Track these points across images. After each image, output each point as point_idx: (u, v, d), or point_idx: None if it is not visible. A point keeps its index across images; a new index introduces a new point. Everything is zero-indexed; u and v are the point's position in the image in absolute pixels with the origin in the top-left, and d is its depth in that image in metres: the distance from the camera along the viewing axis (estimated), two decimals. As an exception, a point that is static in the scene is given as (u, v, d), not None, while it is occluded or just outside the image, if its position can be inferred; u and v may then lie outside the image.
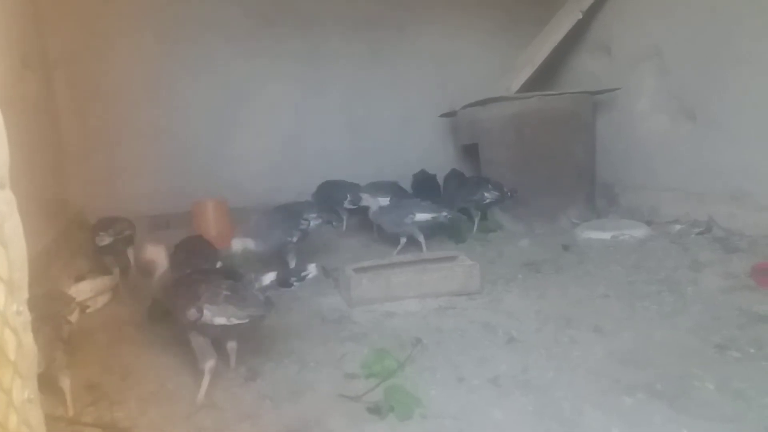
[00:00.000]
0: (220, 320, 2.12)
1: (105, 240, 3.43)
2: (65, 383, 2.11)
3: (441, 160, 6.03)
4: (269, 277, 2.27)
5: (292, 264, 3.64)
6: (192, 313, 2.11)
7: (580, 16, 5.28)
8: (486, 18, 6.20)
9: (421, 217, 4.10)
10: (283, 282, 2.27)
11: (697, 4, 4.38)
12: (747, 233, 3.88)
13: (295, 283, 2.31)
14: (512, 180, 4.74)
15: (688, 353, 2.32)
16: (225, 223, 4.77)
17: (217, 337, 2.26)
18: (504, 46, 6.15)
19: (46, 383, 2.09)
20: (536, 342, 2.53)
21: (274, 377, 2.33)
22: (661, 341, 2.46)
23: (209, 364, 2.16)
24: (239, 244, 3.32)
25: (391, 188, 5.00)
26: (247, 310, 2.16)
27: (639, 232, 4.25)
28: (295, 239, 3.69)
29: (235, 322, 2.14)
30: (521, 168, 4.92)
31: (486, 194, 4.60)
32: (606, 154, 5.31)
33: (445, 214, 4.12)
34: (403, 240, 4.19)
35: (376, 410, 1.97)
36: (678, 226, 4.28)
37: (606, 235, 4.24)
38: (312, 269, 2.34)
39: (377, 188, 4.83)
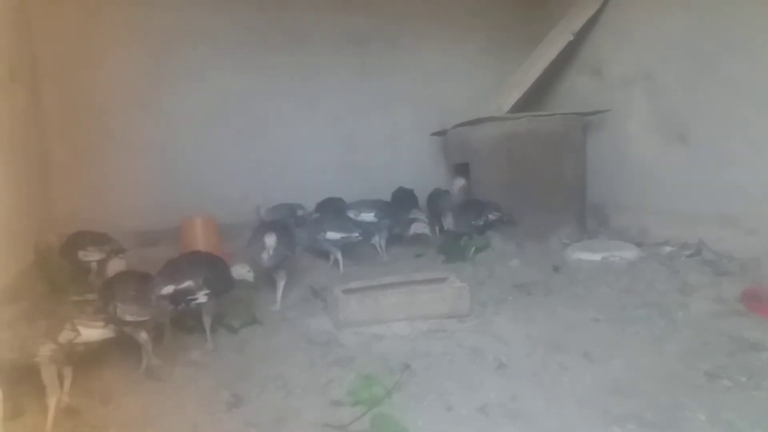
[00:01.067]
0: (128, 317, 2.39)
1: (94, 256, 3.37)
2: (51, 401, 2.09)
3: (431, 178, 6.04)
4: (167, 290, 2.56)
5: (282, 281, 3.59)
6: (109, 309, 2.37)
7: (571, 38, 5.31)
8: (478, 36, 6.27)
9: (332, 235, 4.24)
10: (175, 300, 2.57)
11: (687, 27, 4.42)
12: (736, 256, 3.88)
13: (184, 305, 2.65)
14: (502, 200, 4.75)
15: (678, 381, 2.29)
16: (214, 240, 4.73)
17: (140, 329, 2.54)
18: (495, 64, 6.20)
19: (32, 395, 2.10)
20: (525, 368, 2.49)
21: (258, 403, 2.28)
22: (651, 368, 2.43)
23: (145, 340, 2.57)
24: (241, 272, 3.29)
25: (376, 205, 4.96)
26: (148, 309, 2.46)
27: (629, 253, 4.24)
28: (292, 254, 3.68)
29: (139, 319, 2.43)
30: (512, 188, 4.91)
31: (490, 216, 4.66)
32: (596, 174, 5.32)
33: (356, 234, 4.24)
34: (332, 256, 4.34)
35: (361, 441, 1.93)
36: (668, 248, 4.28)
37: (596, 257, 4.23)
38: (201, 296, 2.63)
39: (364, 206, 4.84)
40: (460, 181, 4.99)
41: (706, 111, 4.30)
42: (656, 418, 2.01)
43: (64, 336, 2.16)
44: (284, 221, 4.18)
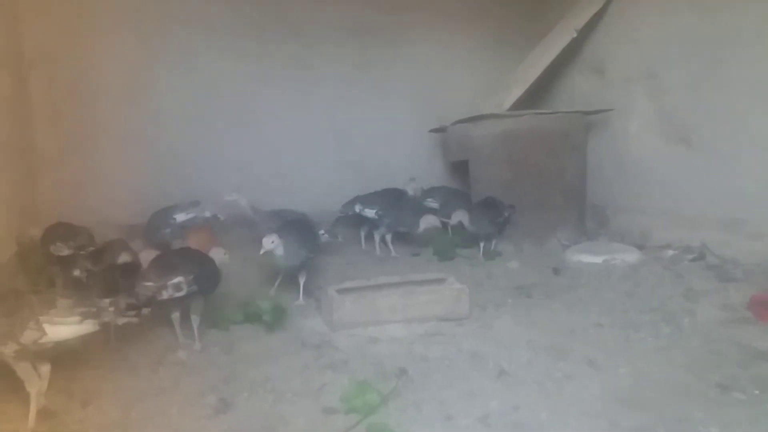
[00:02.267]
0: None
1: (62, 251, 3.20)
2: (32, 392, 2.02)
3: (428, 175, 5.91)
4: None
5: (303, 279, 3.49)
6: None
7: (575, 35, 5.18)
8: (479, 31, 6.12)
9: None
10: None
11: (692, 26, 4.32)
12: (741, 261, 3.79)
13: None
14: (502, 199, 4.64)
15: (688, 393, 2.18)
16: (204, 234, 4.59)
17: None
18: (497, 60, 6.06)
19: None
20: (528, 376, 2.38)
21: (246, 409, 2.16)
22: (659, 378, 2.33)
23: None
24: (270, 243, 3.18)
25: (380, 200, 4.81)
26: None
27: (631, 256, 4.15)
28: (314, 255, 3.61)
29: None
30: (511, 187, 4.80)
31: (505, 213, 4.58)
32: (597, 175, 5.20)
33: (322, 232, 4.13)
34: None
35: (355, 452, 1.81)
36: (671, 252, 4.18)
37: (597, 259, 4.13)
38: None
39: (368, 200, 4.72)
40: (461, 214, 4.52)
41: (711, 112, 4.21)
42: (668, 433, 1.90)
43: (28, 336, 1.97)
44: (305, 220, 4.12)
